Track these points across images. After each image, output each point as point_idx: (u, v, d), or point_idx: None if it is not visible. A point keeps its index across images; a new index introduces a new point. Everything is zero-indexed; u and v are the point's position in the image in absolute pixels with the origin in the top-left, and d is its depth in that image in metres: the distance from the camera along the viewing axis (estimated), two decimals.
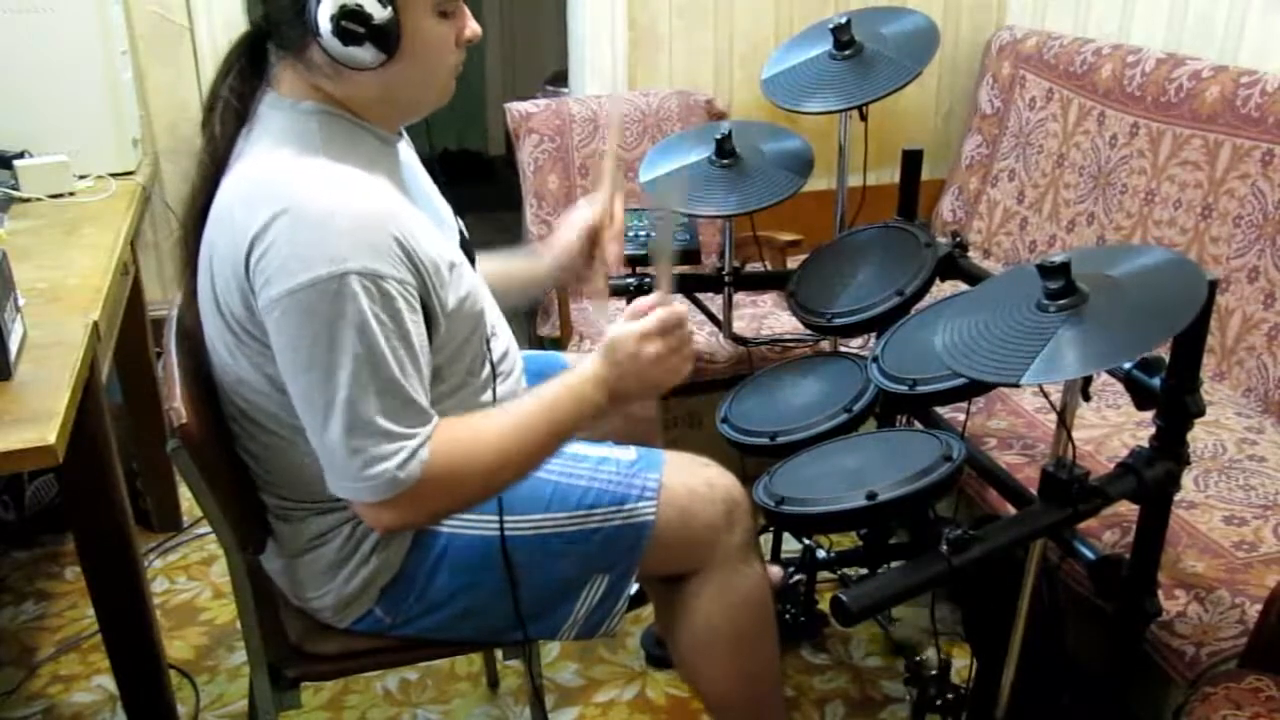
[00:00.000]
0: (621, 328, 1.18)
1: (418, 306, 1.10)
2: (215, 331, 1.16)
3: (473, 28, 1.16)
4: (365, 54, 1.07)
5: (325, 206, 1.05)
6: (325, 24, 1.05)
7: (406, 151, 1.28)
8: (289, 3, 1.08)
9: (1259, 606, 1.30)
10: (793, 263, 1.87)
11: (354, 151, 1.13)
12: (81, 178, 1.93)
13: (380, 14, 1.06)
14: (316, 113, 1.13)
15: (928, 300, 1.67)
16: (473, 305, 1.20)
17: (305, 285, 1.02)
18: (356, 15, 1.05)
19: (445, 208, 1.31)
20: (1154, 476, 1.27)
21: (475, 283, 1.23)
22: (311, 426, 1.09)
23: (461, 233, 1.31)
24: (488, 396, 1.27)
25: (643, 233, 1.90)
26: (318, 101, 1.13)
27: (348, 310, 1.03)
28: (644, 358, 1.17)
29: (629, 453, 1.34)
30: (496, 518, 1.25)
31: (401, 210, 1.12)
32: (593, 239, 1.49)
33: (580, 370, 1.20)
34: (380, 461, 1.07)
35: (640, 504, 1.28)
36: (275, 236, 1.03)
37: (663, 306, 1.18)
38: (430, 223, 1.19)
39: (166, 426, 1.14)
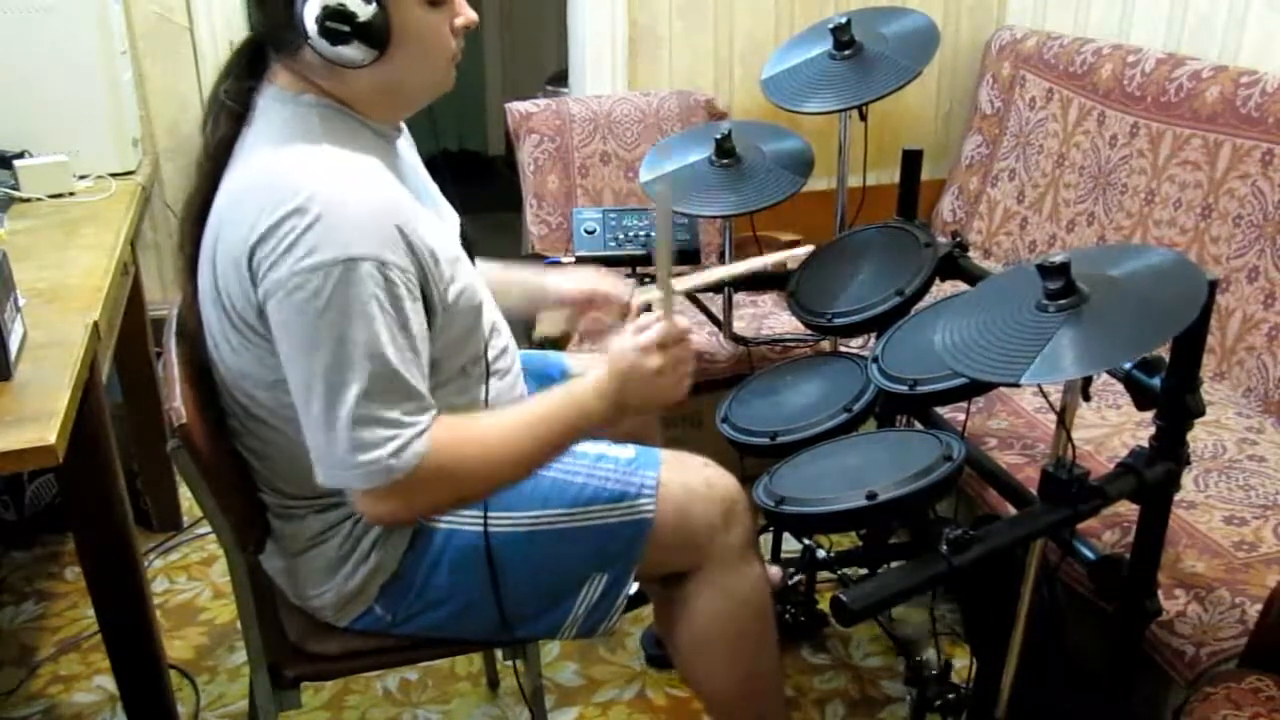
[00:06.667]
0: (623, 340, 1.19)
1: (418, 296, 1.10)
2: (217, 327, 1.16)
3: (467, 14, 1.16)
4: (354, 52, 1.08)
5: (330, 195, 1.05)
6: (311, 25, 1.06)
7: (406, 147, 1.28)
8: (281, 7, 1.08)
9: (1259, 606, 1.30)
10: (792, 263, 1.87)
11: (354, 145, 1.13)
12: (81, 178, 1.93)
13: (365, 11, 1.06)
14: (317, 105, 1.13)
15: (928, 300, 1.67)
16: (471, 299, 1.20)
17: (309, 270, 1.02)
18: (340, 15, 1.05)
19: (444, 203, 1.31)
20: (1154, 476, 1.27)
21: (474, 278, 1.23)
22: (306, 411, 1.08)
23: (461, 228, 1.31)
24: (483, 393, 1.27)
25: (643, 232, 1.91)
26: (317, 96, 1.13)
27: (351, 296, 1.03)
28: (646, 370, 1.17)
29: (627, 450, 1.34)
30: (494, 514, 1.25)
31: (404, 201, 1.12)
32: (587, 303, 1.51)
33: (585, 380, 1.20)
34: (374, 448, 1.06)
35: (639, 501, 1.28)
36: (280, 225, 1.03)
37: (664, 321, 1.18)
38: (431, 216, 1.19)
39: (166, 426, 1.14)
